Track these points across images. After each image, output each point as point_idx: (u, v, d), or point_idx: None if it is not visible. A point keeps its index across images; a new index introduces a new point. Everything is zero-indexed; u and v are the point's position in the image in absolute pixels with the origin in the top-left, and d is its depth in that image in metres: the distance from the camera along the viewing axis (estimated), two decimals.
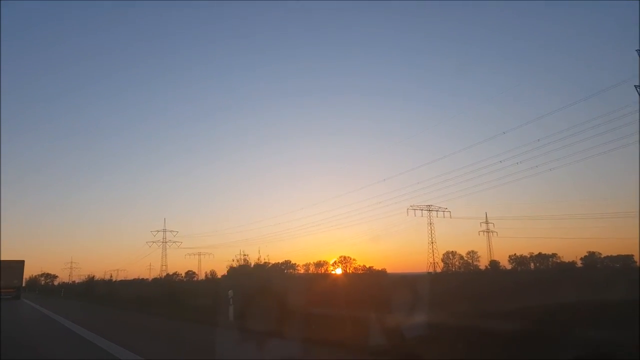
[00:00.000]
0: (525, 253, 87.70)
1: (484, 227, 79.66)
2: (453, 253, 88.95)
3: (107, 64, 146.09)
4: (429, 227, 77.23)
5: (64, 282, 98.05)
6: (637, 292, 10.95)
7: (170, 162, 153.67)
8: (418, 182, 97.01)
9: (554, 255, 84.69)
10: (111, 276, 59.58)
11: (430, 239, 77.64)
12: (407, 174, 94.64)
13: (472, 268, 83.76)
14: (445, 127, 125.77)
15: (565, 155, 69.96)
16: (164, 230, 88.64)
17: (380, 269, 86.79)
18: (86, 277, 39.74)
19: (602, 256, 79.96)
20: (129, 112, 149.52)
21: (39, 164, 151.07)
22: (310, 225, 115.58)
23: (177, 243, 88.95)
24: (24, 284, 74.77)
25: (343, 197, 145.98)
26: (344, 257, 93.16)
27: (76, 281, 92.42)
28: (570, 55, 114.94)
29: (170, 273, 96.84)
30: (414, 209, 69.84)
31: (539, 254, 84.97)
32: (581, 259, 79.75)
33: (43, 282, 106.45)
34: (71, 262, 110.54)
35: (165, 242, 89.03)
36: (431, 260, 77.35)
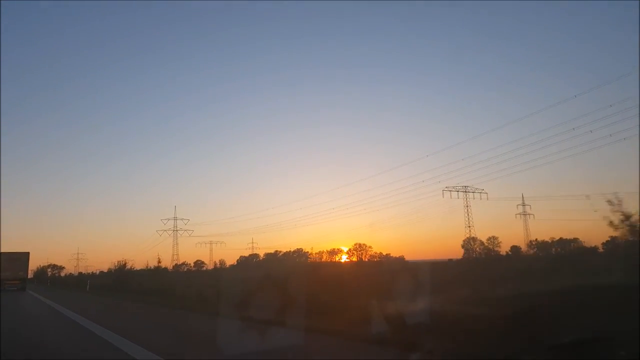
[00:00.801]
0: (547, 238, 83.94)
1: (520, 209, 75.46)
2: (474, 239, 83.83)
3: (118, 48, 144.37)
4: (465, 210, 71.73)
5: (81, 273, 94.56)
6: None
7: (180, 150, 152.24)
8: (450, 162, 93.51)
9: (575, 239, 78.96)
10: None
11: (467, 223, 72.55)
12: (435, 155, 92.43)
13: (492, 254, 78.41)
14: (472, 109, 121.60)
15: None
16: (175, 219, 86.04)
17: (397, 256, 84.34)
18: (116, 263, 34.94)
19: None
20: (138, 98, 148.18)
21: (43, 153, 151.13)
22: (327, 212, 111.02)
23: (188, 232, 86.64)
24: (31, 275, 74.75)
25: (364, 182, 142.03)
26: (359, 245, 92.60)
27: (94, 272, 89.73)
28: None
29: (179, 263, 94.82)
30: (450, 191, 64.18)
31: (560, 239, 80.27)
32: (603, 243, 75.91)
33: (50, 273, 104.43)
34: (78, 253, 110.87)
35: (176, 230, 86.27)
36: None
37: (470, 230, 72.49)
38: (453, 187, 64.32)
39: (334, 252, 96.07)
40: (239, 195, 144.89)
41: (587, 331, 5.46)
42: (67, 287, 49.42)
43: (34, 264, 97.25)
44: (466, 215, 71.98)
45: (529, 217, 75.52)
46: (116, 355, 7.41)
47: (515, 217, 76.13)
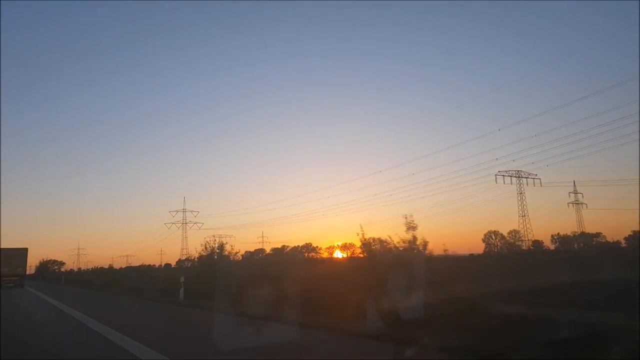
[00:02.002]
0: (569, 232, 79.55)
1: (572, 198, 69.59)
2: (495, 233, 78.90)
3: (126, 36, 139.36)
4: (519, 198, 63.52)
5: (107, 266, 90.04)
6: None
7: (188, 141, 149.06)
8: (494, 148, 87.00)
9: (598, 234, 77.08)
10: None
11: (521, 212, 64.32)
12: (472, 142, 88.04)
13: (514, 249, 73.93)
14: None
15: None
16: (184, 210, 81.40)
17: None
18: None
19: None
20: (146, 87, 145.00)
21: (45, 144, 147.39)
22: (343, 205, 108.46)
23: (198, 224, 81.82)
24: (32, 271, 72.46)
25: (387, 172, 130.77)
26: (374, 239, 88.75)
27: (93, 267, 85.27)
28: None
29: (183, 257, 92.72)
30: (503, 175, 57.15)
31: (582, 233, 76.78)
32: (625, 238, 69.72)
33: (49, 268, 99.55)
34: (78, 249, 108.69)
35: (185, 223, 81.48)
36: (524, 237, 65.57)
37: (524, 220, 64.73)
38: (506, 171, 56.88)
39: (346, 247, 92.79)
40: (249, 187, 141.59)
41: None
42: (95, 287, 33.64)
43: (34, 260, 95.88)
44: (520, 202, 63.71)
45: (582, 207, 70.25)
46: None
47: (568, 206, 70.34)
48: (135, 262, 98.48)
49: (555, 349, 5.07)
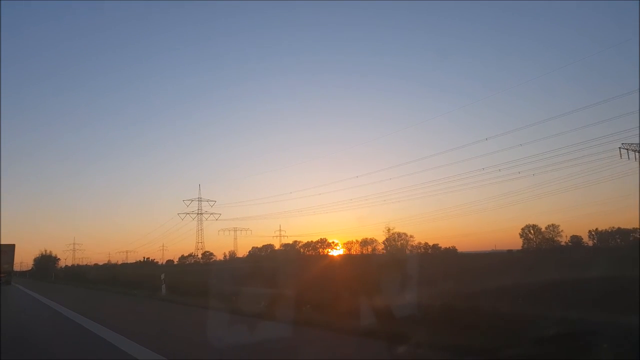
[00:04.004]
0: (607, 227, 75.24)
1: None
2: (534, 227, 73.87)
3: (137, 28, 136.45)
4: None
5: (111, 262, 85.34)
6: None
7: (201, 130, 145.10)
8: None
9: (635, 229, 69.48)
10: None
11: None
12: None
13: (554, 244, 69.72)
14: None
15: None
16: (199, 200, 72.54)
17: (448, 246, 77.19)
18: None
19: None
20: (158, 76, 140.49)
21: (46, 138, 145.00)
22: (365, 199, 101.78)
23: (215, 215, 73.26)
24: (34, 267, 68.45)
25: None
26: (397, 234, 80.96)
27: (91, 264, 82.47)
28: None
29: (190, 254, 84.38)
30: (627, 149, 43.26)
31: (619, 228, 72.93)
32: None
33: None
34: (74, 244, 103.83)
35: (201, 214, 72.77)
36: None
37: None
38: (630, 144, 43.44)
39: (366, 242, 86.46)
40: (267, 176, 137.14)
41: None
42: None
43: (29, 256, 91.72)
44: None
45: None
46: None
47: None
48: (134, 259, 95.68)
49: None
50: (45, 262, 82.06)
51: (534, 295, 8.42)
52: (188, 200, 72.49)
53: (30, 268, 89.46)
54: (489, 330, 6.02)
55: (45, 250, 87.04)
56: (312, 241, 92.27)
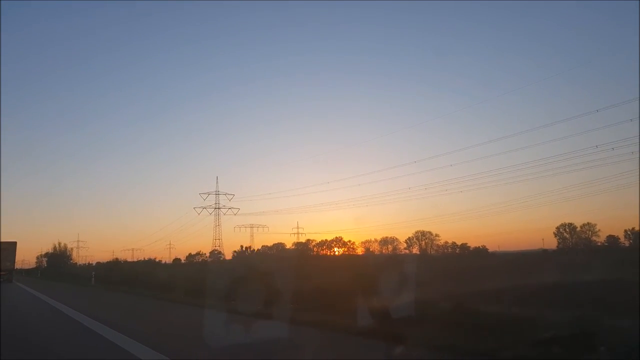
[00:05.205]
0: None
1: None
2: (570, 225, 69.75)
3: (150, 21, 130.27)
4: None
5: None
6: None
7: (216, 124, 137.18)
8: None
9: None
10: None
11: None
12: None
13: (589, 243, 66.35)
14: None
15: None
16: (217, 193, 67.29)
17: (478, 246, 72.23)
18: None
19: None
20: (171, 72, 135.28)
21: (50, 135, 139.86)
22: (387, 194, 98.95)
23: (233, 210, 68.34)
24: (47, 263, 66.04)
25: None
26: (422, 233, 78.10)
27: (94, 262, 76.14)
28: None
29: (198, 252, 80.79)
30: None
31: None
32: None
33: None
34: (78, 241, 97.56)
35: (219, 208, 67.98)
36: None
37: None
38: None
39: (386, 241, 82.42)
40: (285, 170, 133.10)
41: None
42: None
43: (32, 254, 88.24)
44: None
45: None
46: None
47: None
48: (140, 257, 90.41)
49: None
50: (59, 259, 74.35)
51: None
52: (205, 193, 66.80)
53: (33, 266, 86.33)
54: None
55: (59, 244, 79.83)
56: (326, 240, 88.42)
